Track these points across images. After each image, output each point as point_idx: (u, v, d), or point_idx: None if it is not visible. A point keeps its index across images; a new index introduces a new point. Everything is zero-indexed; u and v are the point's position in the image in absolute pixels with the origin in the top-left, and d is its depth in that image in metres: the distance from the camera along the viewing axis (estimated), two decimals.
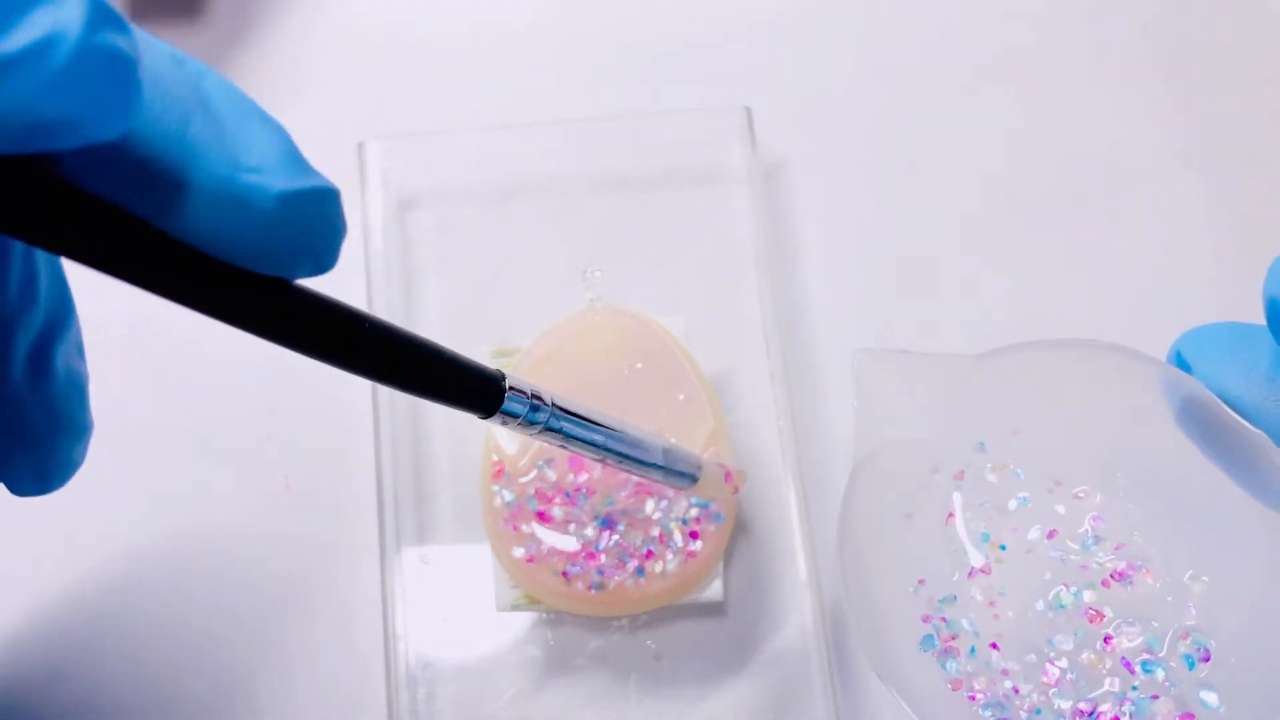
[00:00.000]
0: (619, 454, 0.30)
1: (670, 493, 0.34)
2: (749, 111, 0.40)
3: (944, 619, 0.27)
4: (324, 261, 0.20)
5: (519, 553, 0.34)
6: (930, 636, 0.27)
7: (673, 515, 0.34)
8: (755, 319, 0.38)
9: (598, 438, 0.29)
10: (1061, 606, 0.27)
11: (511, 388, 0.26)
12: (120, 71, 0.16)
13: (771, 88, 0.42)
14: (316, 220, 0.19)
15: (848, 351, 0.38)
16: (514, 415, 0.26)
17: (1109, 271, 0.40)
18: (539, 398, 0.27)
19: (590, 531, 0.34)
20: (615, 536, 0.34)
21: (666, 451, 0.31)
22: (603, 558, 0.33)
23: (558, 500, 0.34)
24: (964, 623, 0.27)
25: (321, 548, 0.37)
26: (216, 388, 0.39)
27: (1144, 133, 0.42)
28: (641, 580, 0.33)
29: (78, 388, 0.25)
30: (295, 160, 0.19)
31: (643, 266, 0.40)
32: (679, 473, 0.32)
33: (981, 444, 0.28)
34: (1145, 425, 0.27)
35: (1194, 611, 0.26)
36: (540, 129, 0.40)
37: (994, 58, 0.43)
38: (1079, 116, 0.42)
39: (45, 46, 0.15)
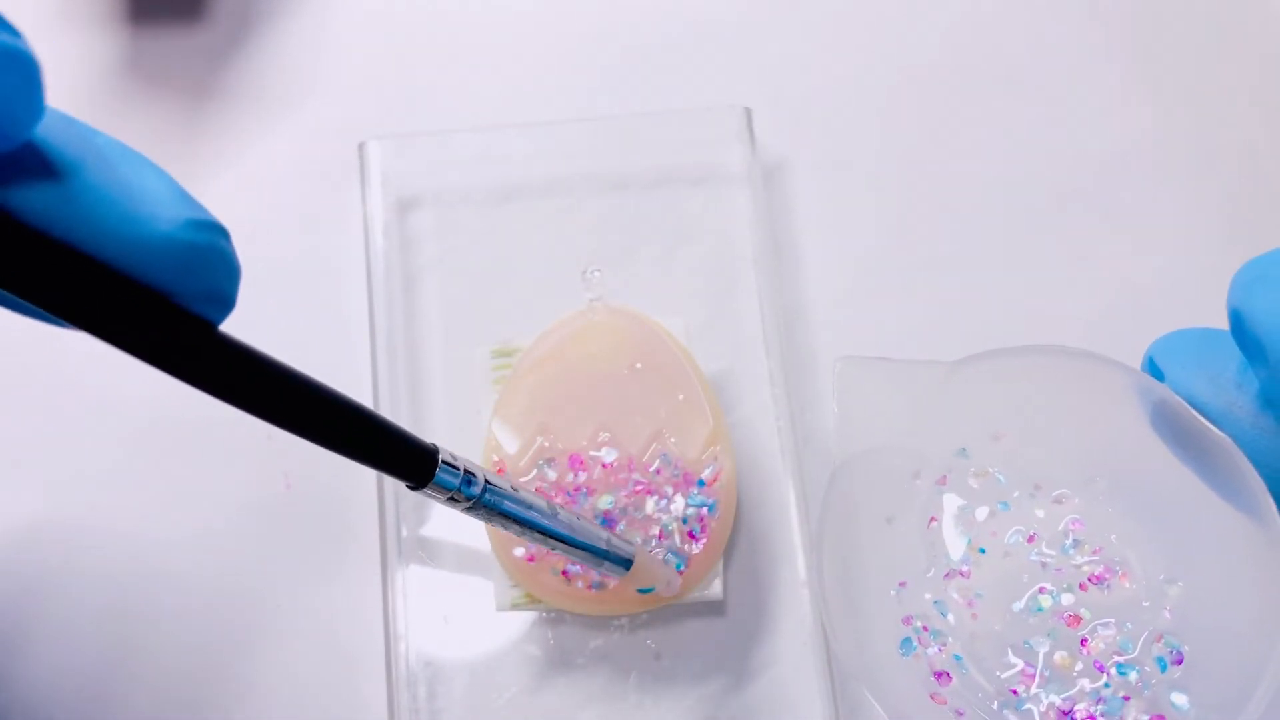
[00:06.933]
0: (554, 535, 0.30)
1: (670, 492, 0.34)
2: (749, 111, 0.40)
3: (925, 628, 0.27)
4: (224, 296, 0.20)
5: (519, 552, 0.34)
6: (909, 639, 0.27)
7: (673, 515, 0.34)
8: (755, 319, 0.38)
9: (532, 518, 0.29)
10: (1040, 610, 0.27)
11: (444, 462, 0.27)
12: (25, 69, 0.16)
13: (771, 88, 0.42)
14: (210, 252, 0.19)
15: (847, 351, 0.39)
16: (446, 488, 0.27)
17: (1110, 272, 0.40)
18: (471, 474, 0.27)
19: None
20: None
21: (607, 540, 0.31)
22: None
23: (558, 500, 0.34)
24: (943, 624, 0.27)
25: (322, 547, 0.37)
26: None
27: (1146, 134, 0.42)
28: None
29: None
30: (185, 197, 0.19)
31: (643, 266, 0.40)
32: (613, 560, 0.32)
33: (964, 450, 0.29)
34: (1121, 429, 0.27)
35: (1168, 615, 0.26)
36: (540, 129, 0.40)
37: (994, 58, 0.43)
38: (1079, 117, 0.42)
39: None
